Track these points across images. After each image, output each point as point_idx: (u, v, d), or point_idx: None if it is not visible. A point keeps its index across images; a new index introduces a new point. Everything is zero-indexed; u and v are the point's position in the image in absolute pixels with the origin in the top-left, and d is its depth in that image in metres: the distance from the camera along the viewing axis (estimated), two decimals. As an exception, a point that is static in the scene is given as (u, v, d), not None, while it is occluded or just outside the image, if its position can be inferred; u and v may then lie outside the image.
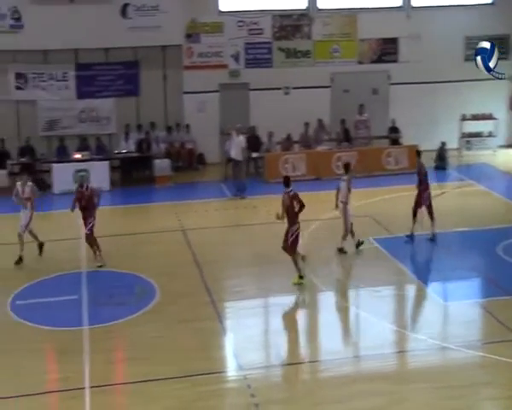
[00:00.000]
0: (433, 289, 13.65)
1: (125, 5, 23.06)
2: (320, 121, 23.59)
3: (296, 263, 13.74)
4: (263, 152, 22.77)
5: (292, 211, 13.59)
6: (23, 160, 21.89)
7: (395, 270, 14.88)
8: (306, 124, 23.27)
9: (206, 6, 23.86)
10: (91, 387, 10.27)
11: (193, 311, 12.84)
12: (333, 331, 12.25)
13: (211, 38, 23.95)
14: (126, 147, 22.71)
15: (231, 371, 11.06)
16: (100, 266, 14.99)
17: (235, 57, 24.26)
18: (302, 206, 13.70)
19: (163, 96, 24.01)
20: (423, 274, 14.23)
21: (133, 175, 22.74)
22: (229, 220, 18.50)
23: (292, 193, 13.71)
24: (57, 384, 10.62)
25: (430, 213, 16.11)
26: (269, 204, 19.35)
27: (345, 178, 15.49)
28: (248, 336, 12.04)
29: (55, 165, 21.50)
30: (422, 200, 16.05)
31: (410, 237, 16.02)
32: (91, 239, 15.22)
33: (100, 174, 21.19)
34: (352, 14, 24.67)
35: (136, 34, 22.84)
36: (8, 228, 16.99)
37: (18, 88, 23.09)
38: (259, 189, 21.19)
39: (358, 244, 15.49)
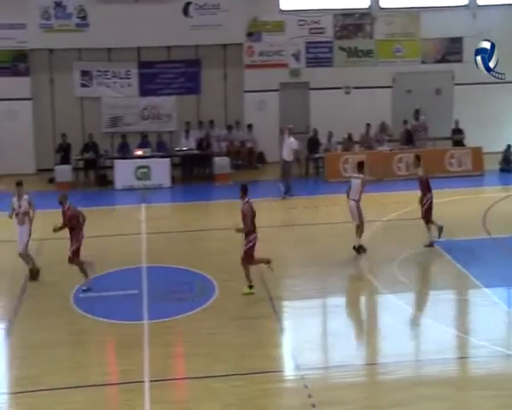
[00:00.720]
0: (496, 294, 13.29)
1: (187, 4, 23.35)
2: (382, 124, 23.27)
3: (248, 274, 13.38)
4: (322, 152, 22.69)
5: (253, 220, 13.35)
6: (87, 155, 22.38)
7: (457, 274, 14.57)
8: (368, 125, 23.03)
9: (267, 5, 23.92)
10: (150, 381, 10.38)
11: (251, 309, 12.87)
12: (392, 334, 12.06)
13: (272, 37, 23.99)
14: (187, 144, 22.94)
15: (289, 370, 11.01)
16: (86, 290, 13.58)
17: (296, 56, 24.23)
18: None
19: (223, 95, 24.15)
20: (486, 279, 13.86)
21: (193, 172, 23.02)
22: (289, 219, 18.44)
23: (250, 202, 13.49)
24: (117, 377, 10.78)
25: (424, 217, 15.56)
26: (330, 203, 19.29)
27: (357, 176, 15.23)
28: (306, 336, 11.97)
29: (117, 161, 21.87)
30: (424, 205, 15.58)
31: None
32: (75, 262, 13.64)
33: (161, 171, 21.56)
34: (414, 12, 24.35)
35: (198, 33, 23.09)
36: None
37: (83, 85, 23.62)
38: (320, 188, 21.13)
39: (358, 249, 15.04)
